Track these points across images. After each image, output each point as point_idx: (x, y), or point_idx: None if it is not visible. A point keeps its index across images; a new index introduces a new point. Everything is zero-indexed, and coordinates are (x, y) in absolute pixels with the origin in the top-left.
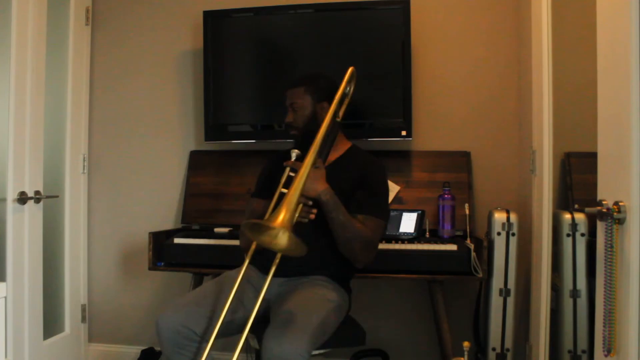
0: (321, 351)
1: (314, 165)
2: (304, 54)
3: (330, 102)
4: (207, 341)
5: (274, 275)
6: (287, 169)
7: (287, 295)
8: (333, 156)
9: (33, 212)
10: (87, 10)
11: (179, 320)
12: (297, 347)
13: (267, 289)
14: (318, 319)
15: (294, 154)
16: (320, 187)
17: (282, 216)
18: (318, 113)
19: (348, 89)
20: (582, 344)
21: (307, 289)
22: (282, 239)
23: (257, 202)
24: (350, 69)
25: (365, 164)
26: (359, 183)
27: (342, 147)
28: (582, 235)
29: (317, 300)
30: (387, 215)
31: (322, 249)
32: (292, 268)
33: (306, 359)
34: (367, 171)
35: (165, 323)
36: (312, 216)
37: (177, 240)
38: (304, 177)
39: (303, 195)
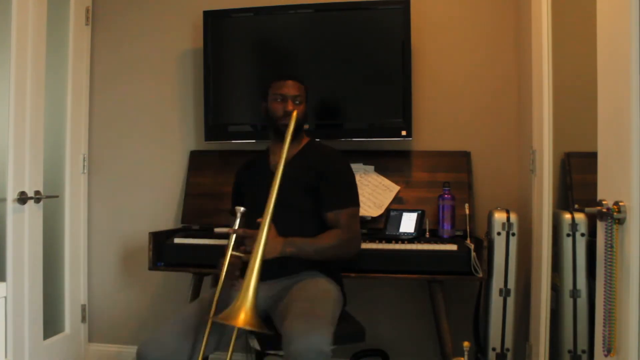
0: None
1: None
2: (304, 54)
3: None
4: None
5: (263, 279)
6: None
7: (288, 292)
8: (293, 151)
9: (33, 212)
10: (87, 10)
11: (164, 355)
12: (323, 336)
13: (258, 294)
14: (330, 309)
15: (233, 236)
16: (279, 247)
17: (243, 315)
18: (307, 115)
19: None
20: (582, 344)
21: (308, 283)
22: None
23: None
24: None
25: (324, 155)
26: (321, 176)
27: (301, 141)
28: (582, 235)
29: (321, 292)
30: (355, 200)
31: None
32: (281, 269)
33: (330, 347)
34: (327, 162)
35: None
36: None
37: (177, 240)
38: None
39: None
